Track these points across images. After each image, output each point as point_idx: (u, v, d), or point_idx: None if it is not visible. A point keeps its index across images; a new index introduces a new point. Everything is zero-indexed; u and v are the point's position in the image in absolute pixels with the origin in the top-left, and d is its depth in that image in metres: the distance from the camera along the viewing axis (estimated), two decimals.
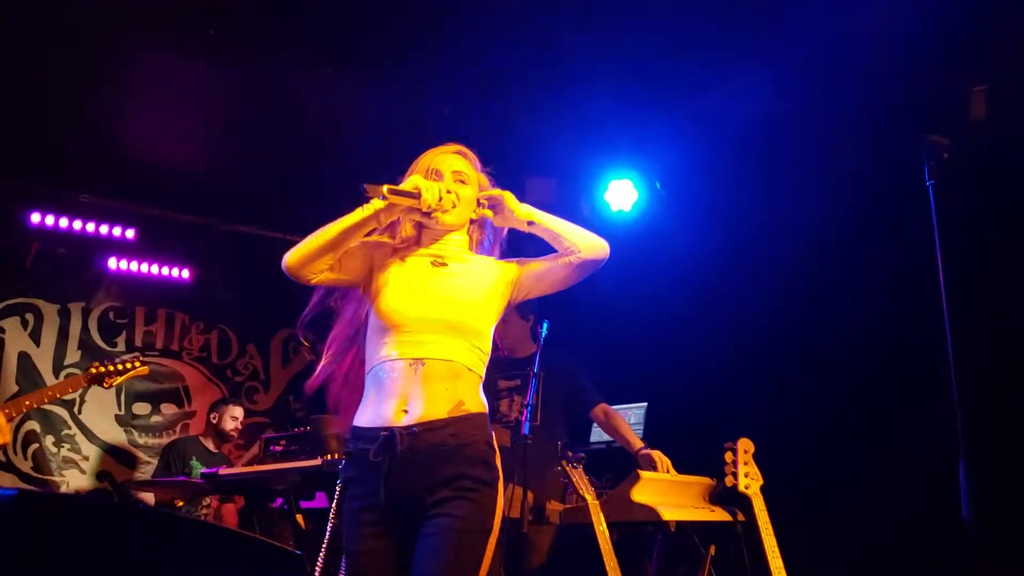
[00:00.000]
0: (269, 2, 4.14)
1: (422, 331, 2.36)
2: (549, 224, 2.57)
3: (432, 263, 2.49)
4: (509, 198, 2.53)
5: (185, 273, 6.58)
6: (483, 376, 2.46)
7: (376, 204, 2.37)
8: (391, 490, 2.25)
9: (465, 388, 2.36)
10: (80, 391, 6.15)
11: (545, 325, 3.96)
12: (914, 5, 3.91)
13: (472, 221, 2.58)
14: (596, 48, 4.29)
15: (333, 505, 2.34)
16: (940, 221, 3.25)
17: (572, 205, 5.70)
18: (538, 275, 2.59)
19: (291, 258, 2.43)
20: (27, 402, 4.18)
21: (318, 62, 4.54)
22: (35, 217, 5.86)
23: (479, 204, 2.53)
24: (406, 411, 2.29)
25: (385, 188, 2.34)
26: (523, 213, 2.54)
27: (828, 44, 4.25)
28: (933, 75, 4.07)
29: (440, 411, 2.30)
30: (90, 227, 6.04)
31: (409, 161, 2.62)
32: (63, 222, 5.94)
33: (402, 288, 2.42)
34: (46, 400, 4.44)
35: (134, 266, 6.39)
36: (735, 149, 4.99)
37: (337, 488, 2.36)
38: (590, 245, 2.56)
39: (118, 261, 6.32)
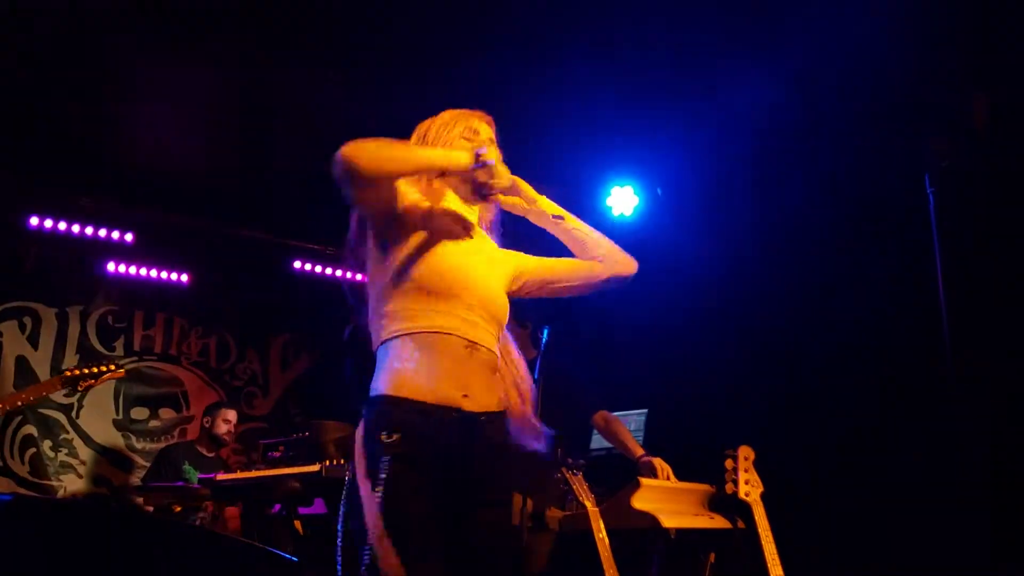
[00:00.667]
0: (270, 6, 4.13)
1: (476, 312, 2.20)
2: (578, 225, 2.44)
3: (464, 229, 2.30)
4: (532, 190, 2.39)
5: (184, 277, 6.55)
6: None
7: (464, 159, 2.21)
8: (453, 475, 2.09)
9: (499, 383, 2.26)
10: (78, 394, 6.15)
11: (546, 331, 3.95)
12: (915, 12, 3.91)
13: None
14: (597, 54, 4.29)
15: (380, 483, 2.01)
16: (940, 228, 3.25)
17: (574, 210, 5.69)
18: (548, 278, 2.45)
19: (365, 156, 2.10)
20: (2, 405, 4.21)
21: (318, 66, 4.54)
22: (34, 220, 5.84)
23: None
24: (466, 395, 2.13)
25: (494, 153, 2.21)
26: (554, 208, 2.41)
27: (829, 51, 4.25)
28: (934, 82, 4.07)
29: (495, 402, 2.20)
30: (89, 230, 6.02)
31: None
32: (62, 225, 5.92)
33: (452, 255, 2.23)
34: (20, 403, 4.41)
35: (133, 270, 6.36)
36: (736, 155, 4.99)
37: (383, 468, 2.04)
38: (621, 260, 2.45)
39: (117, 265, 6.30)
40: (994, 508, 3.25)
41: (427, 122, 2.43)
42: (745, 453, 3.55)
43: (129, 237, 6.15)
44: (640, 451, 4.09)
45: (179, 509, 5.16)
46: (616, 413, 4.66)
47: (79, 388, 4.41)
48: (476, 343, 2.17)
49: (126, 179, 5.72)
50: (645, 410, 5.01)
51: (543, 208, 2.42)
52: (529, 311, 4.47)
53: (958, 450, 3.08)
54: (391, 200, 2.23)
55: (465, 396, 2.12)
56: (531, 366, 3.87)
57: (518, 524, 3.61)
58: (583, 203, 5.73)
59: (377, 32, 4.26)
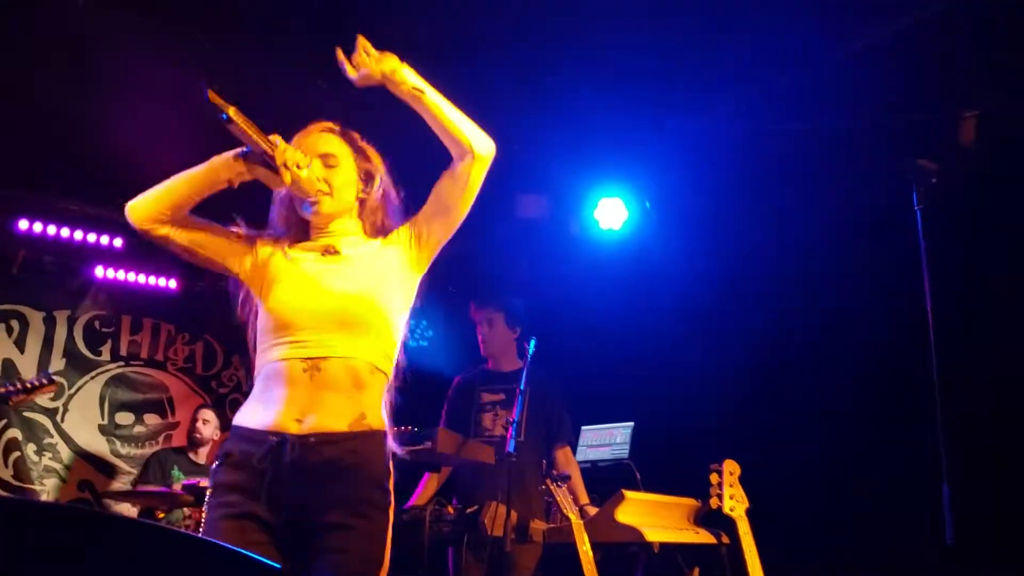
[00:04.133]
0: (263, 10, 4.13)
1: (317, 329, 2.15)
2: (439, 104, 2.26)
3: (322, 253, 2.29)
4: (396, 62, 2.27)
5: (172, 283, 6.53)
6: (391, 375, 2.27)
7: (224, 158, 2.22)
8: (275, 502, 2.06)
9: (368, 400, 2.16)
10: (63, 398, 6.13)
11: (532, 342, 3.95)
12: (904, 30, 3.94)
13: (362, 202, 2.36)
14: (587, 66, 4.30)
15: (203, 514, 2.13)
16: (928, 245, 3.26)
17: (563, 222, 5.72)
18: (432, 210, 2.35)
19: (135, 206, 2.25)
20: None
21: (310, 73, 4.53)
22: (22, 224, 5.81)
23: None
24: (299, 420, 2.09)
25: (232, 110, 2.12)
26: (412, 84, 2.24)
27: (818, 68, 4.28)
28: (922, 100, 4.10)
29: (340, 423, 2.11)
30: (77, 235, 5.99)
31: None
32: (50, 229, 5.89)
33: (291, 282, 2.22)
34: None
35: (121, 275, 6.34)
36: (725, 170, 5.01)
37: (208, 493, 2.13)
38: (482, 138, 2.31)
39: (105, 269, 6.28)
40: (976, 528, 3.25)
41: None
42: (731, 468, 3.56)
43: (118, 242, 6.12)
44: (586, 500, 4.15)
45: (162, 515, 5.14)
46: (602, 426, 4.67)
47: (10, 404, 4.60)
48: (318, 361, 2.13)
49: (115, 184, 5.68)
50: (631, 423, 5.01)
51: (404, 87, 2.28)
52: (519, 317, 4.48)
53: (941, 471, 3.08)
54: (222, 250, 2.31)
55: (298, 420, 2.10)
56: (517, 377, 3.89)
57: (502, 535, 3.60)
58: (571, 215, 5.74)
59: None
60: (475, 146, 2.31)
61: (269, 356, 2.18)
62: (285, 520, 2.08)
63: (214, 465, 2.16)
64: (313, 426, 2.10)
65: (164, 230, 2.25)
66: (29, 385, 4.62)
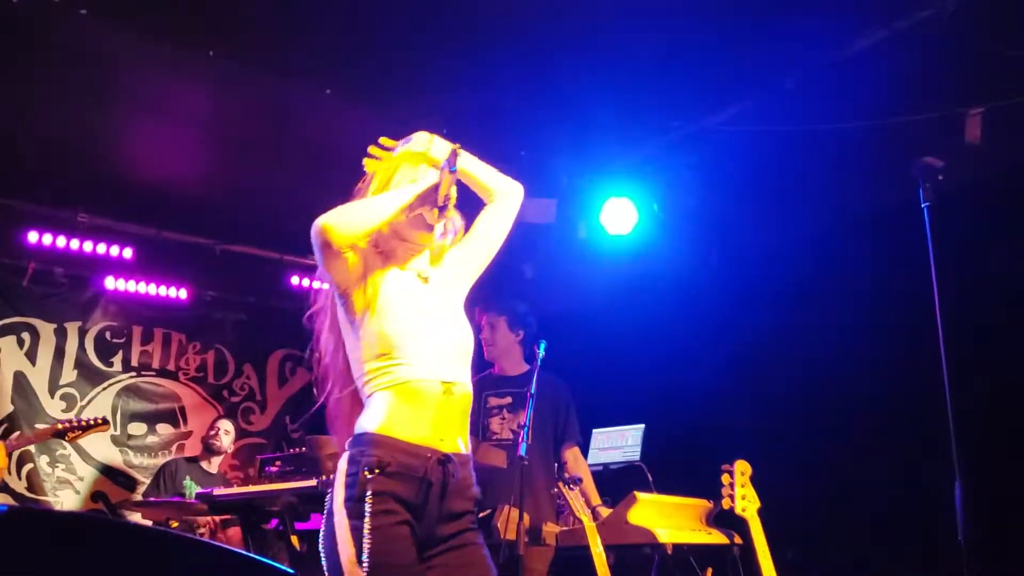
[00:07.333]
0: (270, 24, 4.15)
1: (446, 354, 2.28)
2: (470, 170, 2.45)
3: (418, 274, 2.39)
4: (428, 141, 2.40)
5: (182, 293, 6.56)
6: None
7: (427, 189, 2.27)
8: (429, 515, 2.17)
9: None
10: (76, 410, 6.17)
11: (543, 345, 3.96)
12: (909, 29, 3.94)
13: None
14: (595, 70, 4.31)
15: (367, 521, 2.08)
16: (935, 243, 3.26)
17: (570, 225, 5.72)
18: (482, 240, 2.52)
19: (340, 226, 2.21)
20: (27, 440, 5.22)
21: (318, 84, 4.55)
22: (32, 236, 5.85)
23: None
24: (442, 439, 2.22)
25: (456, 146, 2.27)
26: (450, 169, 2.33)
27: (825, 67, 4.28)
28: (929, 98, 4.10)
29: (464, 445, 2.28)
30: (87, 246, 6.01)
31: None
32: (60, 241, 5.92)
33: (409, 303, 2.30)
34: (21, 447, 5.36)
35: (131, 286, 6.37)
36: (733, 172, 5.01)
37: (368, 502, 2.11)
38: (515, 186, 2.54)
39: (115, 280, 6.31)
40: (987, 526, 3.24)
41: (372, 165, 2.47)
42: (742, 468, 3.56)
43: (128, 253, 6.15)
44: (598, 501, 4.15)
45: (176, 524, 5.16)
46: (614, 428, 4.67)
47: (67, 439, 5.17)
48: (453, 385, 2.26)
49: (125, 195, 5.73)
50: (643, 425, 5.01)
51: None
52: (521, 320, 4.49)
53: (953, 469, 3.08)
54: (356, 266, 2.30)
55: (441, 439, 2.21)
56: (526, 379, 3.89)
57: (515, 538, 3.61)
58: (580, 220, 5.74)
59: (376, 50, 4.28)
60: (515, 187, 2.56)
61: (406, 373, 2.23)
62: (427, 531, 2.18)
63: (366, 474, 2.13)
64: (453, 447, 2.24)
65: (350, 255, 2.28)
66: (85, 423, 5.06)
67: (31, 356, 6.13)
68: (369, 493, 2.10)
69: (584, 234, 5.66)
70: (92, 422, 5.13)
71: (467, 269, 2.51)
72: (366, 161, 2.44)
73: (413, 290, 2.35)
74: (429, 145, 2.39)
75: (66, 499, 6.04)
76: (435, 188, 2.27)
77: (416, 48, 4.24)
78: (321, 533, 2.17)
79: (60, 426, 5.08)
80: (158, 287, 6.47)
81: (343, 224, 2.21)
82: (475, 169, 2.48)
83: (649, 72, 4.42)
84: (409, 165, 2.41)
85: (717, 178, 5.11)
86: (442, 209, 2.25)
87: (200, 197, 5.75)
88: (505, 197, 2.53)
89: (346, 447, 2.23)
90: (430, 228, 2.39)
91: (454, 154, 2.30)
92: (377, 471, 2.12)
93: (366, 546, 2.04)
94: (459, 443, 2.26)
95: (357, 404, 2.32)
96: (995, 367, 4.03)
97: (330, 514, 2.16)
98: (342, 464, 2.19)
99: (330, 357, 2.41)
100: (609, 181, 5.45)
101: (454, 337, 2.33)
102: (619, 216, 5.47)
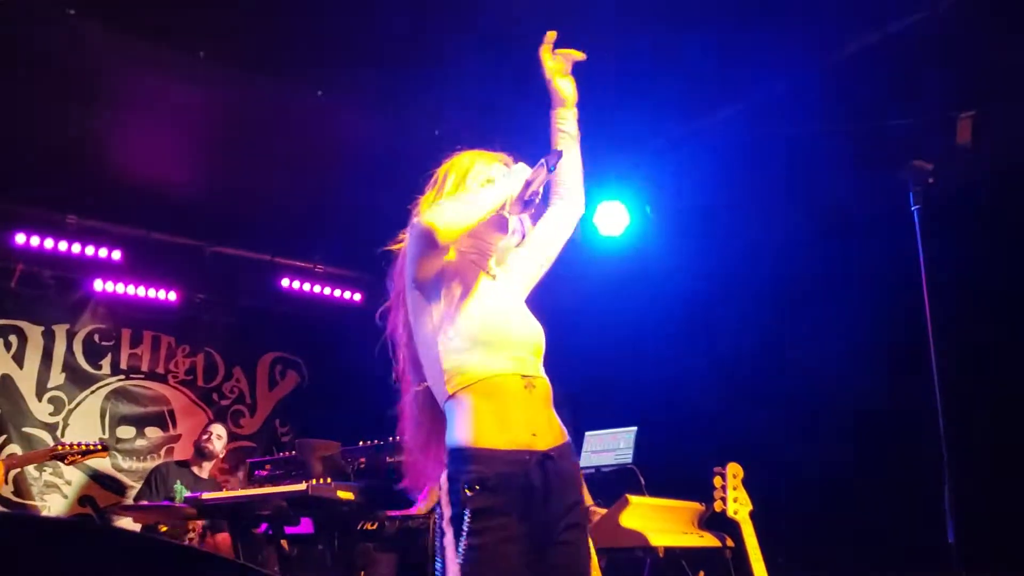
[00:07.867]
0: (260, 25, 4.14)
1: (524, 348, 2.28)
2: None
3: (489, 270, 2.41)
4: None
5: (171, 295, 6.51)
6: None
7: (517, 185, 2.30)
8: (537, 516, 2.15)
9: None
10: (63, 413, 6.12)
11: None
12: (900, 32, 3.95)
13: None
14: (587, 73, 4.31)
15: (473, 540, 2.07)
16: (925, 246, 3.26)
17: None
18: (546, 245, 2.56)
19: (446, 225, 2.22)
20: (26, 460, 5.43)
21: (309, 85, 4.54)
22: (20, 238, 5.80)
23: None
24: (535, 434, 2.20)
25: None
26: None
27: (816, 70, 4.29)
28: (919, 101, 4.11)
29: (560, 436, 2.26)
30: (76, 248, 5.96)
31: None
32: (48, 243, 5.87)
33: (489, 300, 2.32)
34: (38, 462, 5.57)
35: (120, 288, 6.31)
36: (724, 175, 5.02)
37: (466, 521, 2.10)
38: (583, 197, 2.64)
39: (104, 283, 6.25)
40: (976, 527, 3.25)
41: (444, 166, 2.51)
42: (734, 471, 3.56)
43: (117, 255, 6.11)
44: (589, 501, 4.14)
45: (165, 529, 5.13)
46: (606, 431, 4.66)
47: (66, 462, 5.23)
48: (532, 378, 2.25)
49: (114, 197, 5.70)
50: (634, 428, 5.01)
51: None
52: None
53: (942, 471, 3.08)
54: (440, 264, 2.33)
55: (534, 435, 2.20)
56: None
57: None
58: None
59: (368, 51, 4.27)
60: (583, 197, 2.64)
61: (486, 369, 2.22)
62: (538, 533, 2.16)
63: (467, 492, 2.13)
64: (548, 441, 2.22)
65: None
66: (84, 447, 5.14)
67: (18, 359, 6.09)
68: (471, 511, 2.10)
69: (576, 236, 5.65)
70: (92, 447, 5.17)
71: (531, 269, 2.52)
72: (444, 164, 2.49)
73: (485, 287, 2.36)
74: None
75: (53, 503, 5.99)
76: (527, 184, 2.30)
77: (407, 51, 4.23)
78: (435, 550, 2.18)
79: (60, 448, 5.12)
80: (147, 289, 6.42)
81: (449, 222, 2.22)
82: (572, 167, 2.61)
83: (641, 75, 4.42)
84: (484, 163, 2.46)
85: (708, 181, 5.11)
86: (527, 204, 2.31)
87: (190, 199, 5.72)
88: (579, 205, 2.62)
89: (443, 462, 2.22)
90: (505, 229, 2.41)
91: (557, 154, 2.34)
92: (478, 487, 2.11)
93: (472, 565, 2.06)
94: (553, 434, 2.24)
95: (427, 406, 2.34)
96: (985, 370, 4.04)
97: (441, 533, 2.17)
98: (443, 482, 2.19)
99: (406, 349, 2.42)
100: (601, 184, 5.44)
101: (529, 332, 2.33)
102: (611, 218, 5.46)
